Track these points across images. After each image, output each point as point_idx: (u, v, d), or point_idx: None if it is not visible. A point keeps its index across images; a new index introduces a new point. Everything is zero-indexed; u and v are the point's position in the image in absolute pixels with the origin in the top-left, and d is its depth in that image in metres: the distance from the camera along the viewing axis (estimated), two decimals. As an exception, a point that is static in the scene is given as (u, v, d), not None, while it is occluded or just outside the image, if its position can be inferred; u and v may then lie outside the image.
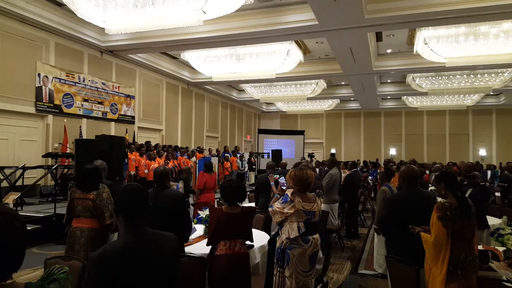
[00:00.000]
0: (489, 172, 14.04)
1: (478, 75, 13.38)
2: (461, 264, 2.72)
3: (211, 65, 11.98)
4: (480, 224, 3.91)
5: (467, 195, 3.87)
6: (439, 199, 3.44)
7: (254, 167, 16.47)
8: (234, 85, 18.48)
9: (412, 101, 18.50)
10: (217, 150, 15.54)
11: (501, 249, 3.71)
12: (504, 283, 2.86)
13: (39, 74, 9.37)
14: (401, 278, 3.28)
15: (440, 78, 13.90)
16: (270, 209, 3.42)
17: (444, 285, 2.71)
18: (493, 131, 20.31)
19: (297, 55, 11.36)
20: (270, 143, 20.98)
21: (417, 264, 3.03)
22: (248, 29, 9.26)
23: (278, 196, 3.63)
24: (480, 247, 3.81)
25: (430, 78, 14.05)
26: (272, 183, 5.14)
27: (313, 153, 19.84)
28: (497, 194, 9.63)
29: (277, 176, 5.16)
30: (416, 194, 3.51)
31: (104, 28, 7.38)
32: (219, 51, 11.23)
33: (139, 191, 1.86)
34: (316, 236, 3.34)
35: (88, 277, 1.63)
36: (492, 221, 5.40)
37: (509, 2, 7.36)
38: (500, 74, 13.11)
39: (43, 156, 8.97)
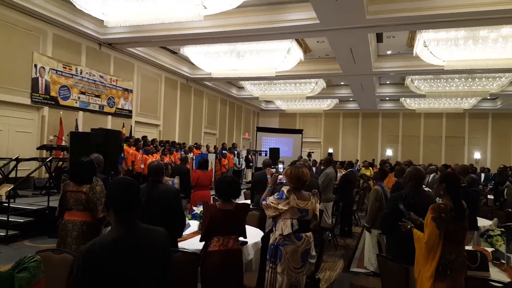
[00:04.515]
0: (482, 175, 14.24)
1: (476, 79, 13.43)
2: (450, 264, 2.75)
3: (210, 61, 11.94)
4: (470, 226, 3.94)
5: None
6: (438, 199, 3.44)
7: (251, 164, 16.48)
8: (233, 82, 18.45)
9: (410, 103, 18.55)
10: (215, 147, 15.52)
11: (490, 249, 3.76)
12: (491, 282, 2.89)
13: (35, 65, 9.30)
14: (392, 276, 3.30)
15: (438, 81, 13.96)
16: (263, 202, 3.44)
17: (432, 283, 2.74)
18: (488, 134, 20.42)
19: (297, 54, 11.34)
20: (268, 141, 21.01)
21: (412, 262, 3.01)
22: (248, 26, 9.23)
23: (270, 189, 3.64)
24: (470, 247, 3.86)
25: (428, 80, 14.09)
26: (268, 176, 5.14)
27: (312, 152, 19.99)
28: (490, 196, 9.82)
29: (274, 170, 5.15)
30: (420, 195, 3.50)
31: (103, 20, 7.32)
32: (219, 47, 11.20)
33: (131, 186, 1.83)
34: (309, 233, 3.37)
35: (76, 270, 1.62)
36: (484, 222, 5.48)
37: (508, 7, 7.38)
38: (498, 78, 13.17)
39: (37, 148, 8.91)
